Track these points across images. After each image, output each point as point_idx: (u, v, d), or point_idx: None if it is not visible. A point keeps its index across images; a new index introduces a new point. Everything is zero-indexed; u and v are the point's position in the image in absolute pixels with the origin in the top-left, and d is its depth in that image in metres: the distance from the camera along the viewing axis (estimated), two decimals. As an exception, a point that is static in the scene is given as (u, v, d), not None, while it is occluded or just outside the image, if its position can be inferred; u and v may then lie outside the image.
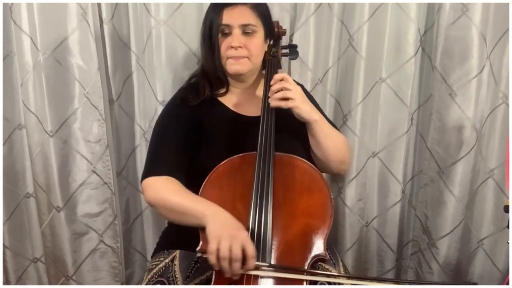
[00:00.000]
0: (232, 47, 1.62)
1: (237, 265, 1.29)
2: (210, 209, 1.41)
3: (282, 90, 1.54)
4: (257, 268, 1.33)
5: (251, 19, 1.63)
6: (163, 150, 1.64)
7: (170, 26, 1.96)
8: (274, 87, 1.55)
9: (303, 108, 1.57)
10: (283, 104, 1.54)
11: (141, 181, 1.61)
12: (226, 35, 1.63)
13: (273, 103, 1.55)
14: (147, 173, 1.60)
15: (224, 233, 1.31)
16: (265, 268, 1.34)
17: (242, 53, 1.63)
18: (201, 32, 1.70)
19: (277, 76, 1.57)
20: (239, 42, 1.61)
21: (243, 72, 1.68)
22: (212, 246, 1.30)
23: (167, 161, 1.60)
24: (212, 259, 1.30)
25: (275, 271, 1.36)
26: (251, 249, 1.30)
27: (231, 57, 1.64)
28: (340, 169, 1.80)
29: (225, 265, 1.29)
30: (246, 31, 1.63)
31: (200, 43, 1.72)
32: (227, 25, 1.61)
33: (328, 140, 1.65)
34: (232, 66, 1.65)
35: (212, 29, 1.62)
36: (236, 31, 1.62)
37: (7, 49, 2.02)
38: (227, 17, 1.61)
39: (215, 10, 1.62)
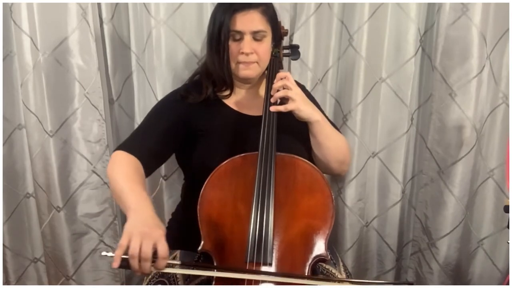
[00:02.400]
0: (243, 53, 1.61)
1: (146, 264, 1.23)
2: (135, 204, 1.37)
3: (283, 88, 1.54)
4: (170, 266, 1.30)
5: (262, 25, 1.61)
6: (146, 132, 1.65)
7: (170, 26, 1.96)
8: (275, 85, 1.55)
9: (304, 109, 1.56)
10: (283, 109, 1.54)
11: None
12: (236, 40, 1.62)
13: (272, 108, 1.54)
14: (120, 146, 1.60)
15: (137, 230, 1.25)
16: (176, 265, 1.34)
17: (253, 58, 1.62)
18: (208, 33, 1.68)
19: (280, 75, 1.57)
20: (250, 48, 1.60)
21: (253, 77, 1.68)
22: (121, 241, 1.24)
23: (144, 144, 1.60)
24: (117, 253, 1.23)
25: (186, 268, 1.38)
26: (162, 249, 1.23)
27: (241, 62, 1.63)
28: (341, 169, 1.79)
29: (133, 263, 1.22)
30: (257, 37, 1.62)
31: (206, 43, 1.71)
32: (239, 32, 1.60)
33: (329, 140, 1.65)
34: (242, 72, 1.64)
35: (221, 33, 1.60)
36: (247, 37, 1.60)
37: (7, 49, 2.03)
38: (240, 24, 1.59)
39: (226, 14, 1.59)
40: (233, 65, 1.64)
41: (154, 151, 1.61)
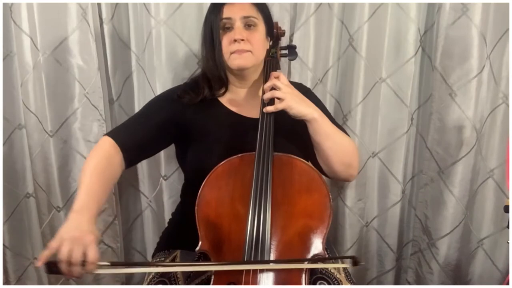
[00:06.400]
0: (235, 40, 1.59)
1: (75, 269, 1.25)
2: (79, 206, 1.38)
3: (272, 89, 1.53)
4: (101, 268, 1.29)
5: (252, 11, 1.61)
6: (137, 124, 1.67)
7: (170, 26, 1.96)
8: (265, 86, 1.54)
9: (295, 107, 1.52)
10: (273, 109, 1.52)
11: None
12: (227, 30, 1.61)
13: (264, 110, 1.53)
14: (110, 133, 1.63)
15: (68, 235, 1.26)
16: (106, 266, 1.31)
17: (245, 46, 1.60)
18: (202, 33, 1.68)
19: (273, 73, 1.57)
20: (241, 35, 1.59)
21: (247, 67, 1.64)
22: (52, 244, 1.25)
23: (132, 135, 1.62)
24: (44, 253, 1.24)
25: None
26: (92, 255, 1.24)
27: (234, 51, 1.61)
28: (348, 173, 1.70)
29: (63, 266, 1.24)
30: (248, 23, 1.60)
31: (201, 44, 1.71)
32: (228, 18, 1.59)
33: (329, 140, 1.60)
34: (235, 61, 1.62)
35: (213, 27, 1.60)
36: (238, 24, 1.60)
37: (7, 49, 2.03)
38: (228, 11, 1.59)
39: (215, 9, 1.61)
40: (226, 56, 1.62)
41: (140, 144, 1.63)
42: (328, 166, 1.66)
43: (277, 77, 1.55)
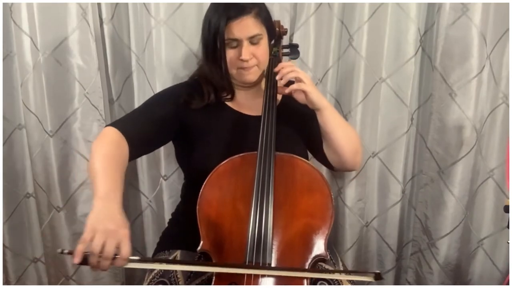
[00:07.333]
0: (242, 60, 1.59)
1: (106, 263, 1.19)
2: (105, 193, 1.30)
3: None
4: (130, 261, 1.24)
5: (257, 29, 1.59)
6: (142, 116, 1.63)
7: (170, 26, 1.96)
8: (284, 70, 1.55)
9: (315, 93, 1.56)
10: (296, 87, 1.55)
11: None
12: (233, 47, 1.60)
13: (286, 90, 1.56)
14: (114, 123, 1.58)
15: (102, 226, 1.19)
16: (136, 260, 1.27)
17: (252, 63, 1.61)
18: (203, 40, 1.66)
19: (283, 64, 1.58)
20: (249, 54, 1.59)
21: (254, 80, 1.66)
22: (85, 236, 1.18)
23: (137, 126, 1.58)
24: (79, 247, 1.17)
25: None
26: (125, 250, 1.20)
27: (241, 68, 1.62)
28: (355, 161, 1.73)
29: (93, 260, 1.18)
30: (253, 42, 1.60)
31: (201, 49, 1.69)
32: (235, 39, 1.58)
33: (340, 129, 1.63)
34: (243, 77, 1.63)
35: (217, 42, 1.58)
36: (245, 43, 1.58)
37: (7, 49, 2.03)
38: (235, 31, 1.56)
39: (221, 22, 1.56)
40: (233, 71, 1.63)
41: (143, 136, 1.58)
42: (339, 156, 1.67)
43: (289, 65, 1.57)
